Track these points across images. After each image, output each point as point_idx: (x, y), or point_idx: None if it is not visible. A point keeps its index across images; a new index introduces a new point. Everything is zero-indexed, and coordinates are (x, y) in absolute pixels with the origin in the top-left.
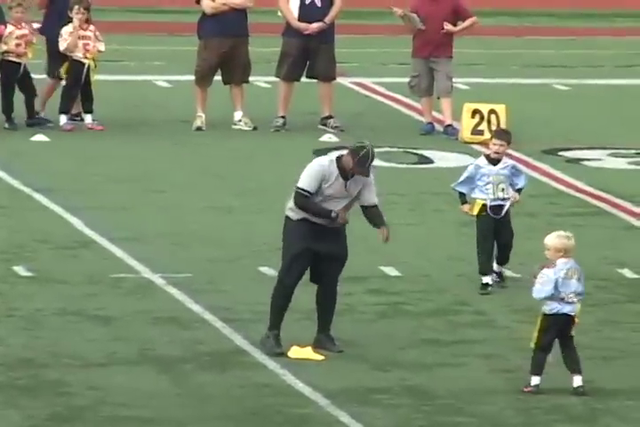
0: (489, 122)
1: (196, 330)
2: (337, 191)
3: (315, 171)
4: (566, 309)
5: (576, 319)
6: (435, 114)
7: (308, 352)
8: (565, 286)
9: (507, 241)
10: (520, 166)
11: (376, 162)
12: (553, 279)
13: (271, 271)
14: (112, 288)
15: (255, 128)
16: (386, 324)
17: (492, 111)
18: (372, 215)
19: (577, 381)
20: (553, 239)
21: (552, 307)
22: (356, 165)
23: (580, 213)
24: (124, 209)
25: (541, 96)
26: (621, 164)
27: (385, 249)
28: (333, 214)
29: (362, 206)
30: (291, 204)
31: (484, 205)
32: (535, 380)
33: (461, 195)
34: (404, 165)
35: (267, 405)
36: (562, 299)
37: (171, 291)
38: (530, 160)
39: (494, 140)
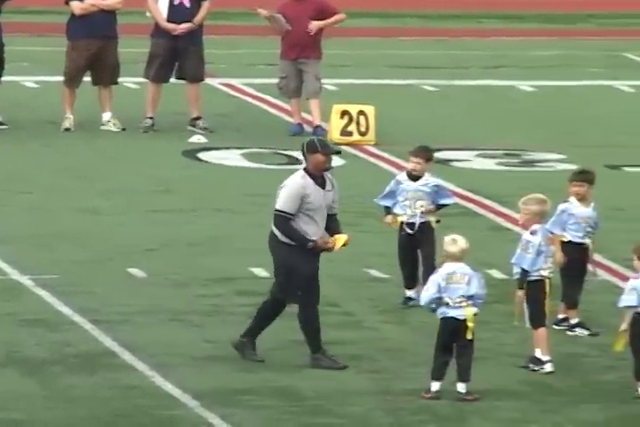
0: (358, 123)
1: (64, 332)
2: (318, 201)
3: (293, 191)
4: (453, 313)
5: (469, 324)
6: (304, 115)
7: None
8: (450, 291)
9: (426, 256)
10: (444, 185)
11: (244, 163)
12: (436, 285)
13: (140, 273)
14: None
15: (124, 129)
16: None
17: (360, 112)
18: (332, 223)
19: (460, 387)
20: (443, 244)
21: (440, 311)
22: (325, 154)
23: (449, 213)
24: None
25: (409, 97)
26: (490, 164)
27: (254, 250)
28: (310, 244)
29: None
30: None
31: (402, 222)
32: (435, 386)
33: (385, 207)
34: (274, 166)
35: (135, 406)
36: (447, 304)
37: (39, 293)
38: (398, 161)
39: (411, 158)
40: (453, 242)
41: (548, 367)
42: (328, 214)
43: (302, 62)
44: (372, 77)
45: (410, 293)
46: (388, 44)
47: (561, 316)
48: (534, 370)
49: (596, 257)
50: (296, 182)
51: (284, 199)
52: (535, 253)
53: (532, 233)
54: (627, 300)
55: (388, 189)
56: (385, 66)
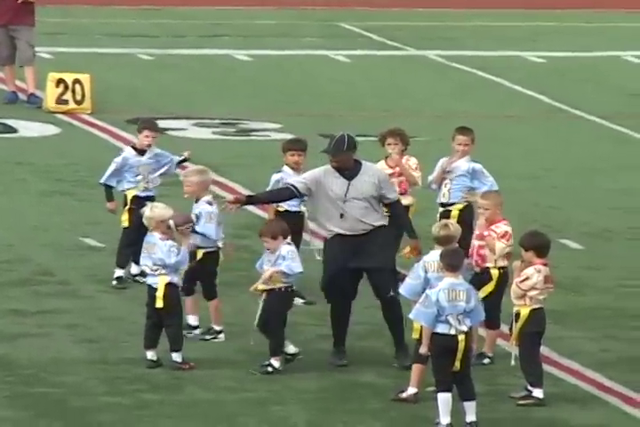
0: (73, 91)
1: None
2: (340, 191)
3: (311, 172)
4: (150, 280)
5: (157, 292)
6: (18, 83)
7: None
8: (146, 260)
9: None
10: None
11: None
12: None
13: None
14: None
15: None
16: None
17: (76, 81)
18: (397, 218)
19: (174, 356)
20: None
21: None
22: (326, 152)
23: (165, 182)
24: None
25: (126, 66)
26: (206, 133)
27: None
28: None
29: (385, 205)
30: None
31: (135, 197)
32: (149, 354)
33: (108, 189)
34: None
35: None
36: (146, 272)
37: None
38: (115, 130)
39: (145, 132)
40: (163, 208)
41: (222, 337)
42: (387, 203)
43: (14, 29)
44: (87, 46)
45: (120, 272)
46: (104, 12)
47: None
48: (206, 339)
49: (312, 225)
50: (319, 168)
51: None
52: (217, 222)
53: (210, 203)
54: (298, 266)
55: (113, 166)
56: (100, 34)
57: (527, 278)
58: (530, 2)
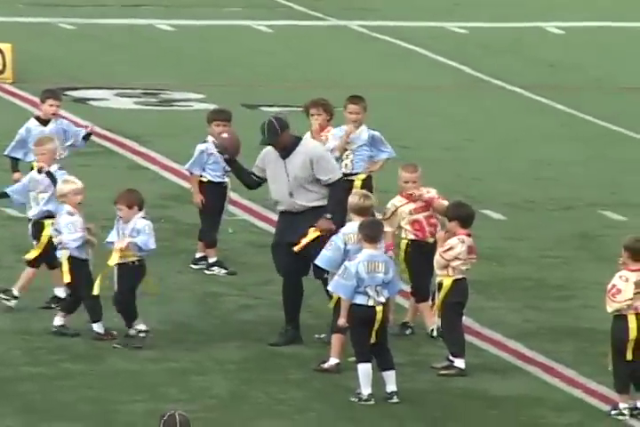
0: None
1: None
2: (273, 171)
3: (260, 154)
4: (57, 253)
5: (64, 267)
6: None
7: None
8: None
9: None
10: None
11: None
12: None
13: None
14: None
15: None
16: None
17: None
18: (329, 197)
19: (95, 327)
20: None
21: None
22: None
23: (86, 152)
24: None
25: (47, 35)
26: (128, 103)
27: None
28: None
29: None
30: None
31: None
32: (56, 320)
33: (13, 161)
34: None
35: None
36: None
37: None
38: (36, 100)
39: (49, 101)
40: (65, 183)
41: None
42: (324, 184)
43: None
44: (8, 15)
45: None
46: None
47: (199, 255)
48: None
49: (234, 196)
50: (265, 149)
51: None
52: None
53: (62, 168)
54: (152, 242)
55: (17, 138)
56: (21, 3)
57: (451, 248)
58: None
